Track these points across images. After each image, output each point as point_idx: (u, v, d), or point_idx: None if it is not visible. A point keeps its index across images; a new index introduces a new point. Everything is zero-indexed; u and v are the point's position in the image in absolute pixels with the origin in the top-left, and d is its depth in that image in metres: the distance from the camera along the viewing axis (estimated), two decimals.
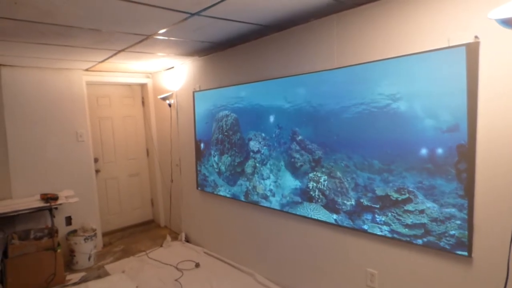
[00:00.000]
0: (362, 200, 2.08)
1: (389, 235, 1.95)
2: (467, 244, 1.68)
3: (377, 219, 2.01)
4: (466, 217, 1.67)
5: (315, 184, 2.34)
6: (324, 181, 2.29)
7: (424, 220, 1.81)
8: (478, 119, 1.62)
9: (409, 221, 1.87)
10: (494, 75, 1.57)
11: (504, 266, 1.59)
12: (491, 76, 1.57)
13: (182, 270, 3.24)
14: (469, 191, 1.66)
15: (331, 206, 2.27)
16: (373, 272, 2.16)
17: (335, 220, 2.23)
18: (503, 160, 1.57)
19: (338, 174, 2.19)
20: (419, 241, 1.84)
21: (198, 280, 3.04)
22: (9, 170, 3.30)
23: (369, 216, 2.05)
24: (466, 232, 1.68)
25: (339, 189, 2.19)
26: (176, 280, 3.05)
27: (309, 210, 2.40)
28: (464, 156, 1.66)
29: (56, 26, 2.09)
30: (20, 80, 3.37)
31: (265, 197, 2.83)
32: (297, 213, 2.51)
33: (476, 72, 1.60)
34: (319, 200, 2.34)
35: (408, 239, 1.88)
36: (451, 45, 1.67)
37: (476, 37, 1.60)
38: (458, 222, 1.70)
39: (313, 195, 2.37)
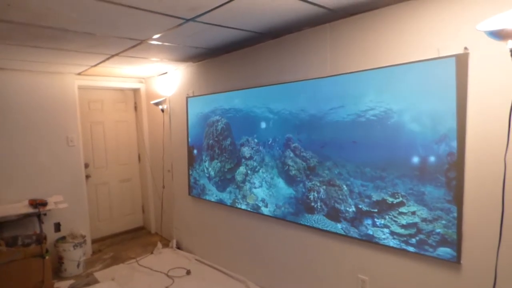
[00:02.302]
0: (360, 206, 2.10)
1: (390, 237, 1.97)
2: (449, 241, 1.73)
3: (377, 223, 2.03)
4: (451, 219, 1.72)
5: (316, 195, 2.33)
6: (324, 190, 2.29)
7: (416, 219, 1.86)
8: (467, 128, 1.65)
9: (404, 222, 1.91)
10: (483, 85, 1.60)
11: (492, 272, 1.61)
12: (480, 86, 1.61)
13: (173, 277, 3.19)
14: (458, 199, 1.69)
15: (333, 215, 2.26)
16: (364, 279, 2.17)
17: (342, 229, 2.21)
18: (491, 169, 1.60)
19: (337, 181, 2.20)
20: (413, 240, 1.87)
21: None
22: None
23: (369, 221, 2.07)
24: (450, 231, 1.73)
25: (340, 196, 2.20)
26: (167, 287, 3.00)
27: (313, 222, 2.38)
28: (454, 164, 1.69)
29: (50, 29, 2.07)
30: (10, 83, 3.32)
31: (257, 208, 2.81)
32: (306, 224, 2.45)
33: (466, 83, 1.64)
34: (321, 211, 2.32)
35: (404, 238, 1.91)
36: (441, 55, 1.71)
37: (465, 48, 1.64)
38: (444, 222, 1.75)
39: (315, 206, 2.35)
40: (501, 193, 1.56)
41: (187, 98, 3.59)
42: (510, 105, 1.50)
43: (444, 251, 1.76)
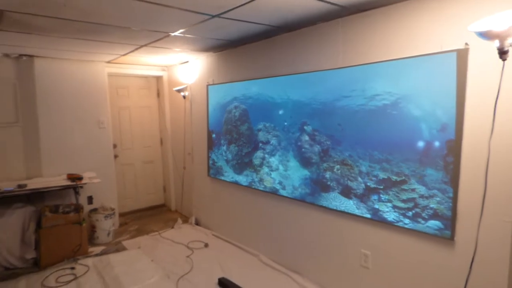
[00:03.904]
0: (369, 184, 2.31)
1: (392, 210, 2.19)
2: (440, 215, 1.94)
3: (382, 198, 2.24)
4: (445, 197, 1.91)
5: (331, 174, 2.53)
6: (338, 170, 2.49)
7: (415, 195, 2.07)
8: (465, 117, 1.81)
9: (404, 197, 2.12)
10: (479, 78, 1.75)
11: (483, 247, 1.80)
12: (478, 79, 1.76)
13: (192, 248, 3.52)
14: (454, 181, 1.87)
15: (346, 192, 2.47)
16: (367, 253, 2.38)
17: (354, 205, 2.40)
18: (483, 155, 1.77)
19: (349, 162, 2.41)
20: (410, 213, 2.09)
21: (207, 258, 3.32)
22: (40, 152, 3.62)
23: (375, 197, 2.28)
24: (442, 206, 1.93)
25: (352, 175, 2.41)
26: (187, 256, 3.33)
27: (330, 200, 2.58)
28: (452, 150, 1.87)
29: (93, 24, 2.35)
30: (51, 71, 3.66)
31: (275, 191, 3.01)
32: (321, 204, 2.64)
33: (465, 75, 1.78)
34: (336, 189, 2.52)
35: (403, 211, 2.12)
36: (444, 50, 1.86)
37: (466, 44, 1.78)
38: (438, 199, 1.95)
39: (330, 184, 2.55)
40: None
41: (207, 85, 3.83)
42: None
43: (434, 223, 1.98)
